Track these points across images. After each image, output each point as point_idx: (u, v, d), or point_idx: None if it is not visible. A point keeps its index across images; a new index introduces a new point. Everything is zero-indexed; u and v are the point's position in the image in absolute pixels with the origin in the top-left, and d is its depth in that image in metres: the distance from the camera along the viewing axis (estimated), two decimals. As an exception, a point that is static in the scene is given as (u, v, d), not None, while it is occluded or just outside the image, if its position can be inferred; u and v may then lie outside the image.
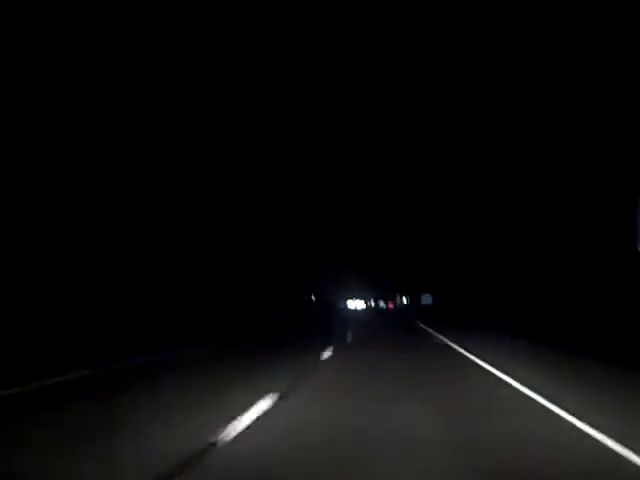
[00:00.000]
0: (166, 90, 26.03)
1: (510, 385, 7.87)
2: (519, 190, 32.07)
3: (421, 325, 27.36)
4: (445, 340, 16.74)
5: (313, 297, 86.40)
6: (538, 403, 6.45)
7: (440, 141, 45.02)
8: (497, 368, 9.65)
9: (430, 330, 22.79)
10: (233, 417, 5.34)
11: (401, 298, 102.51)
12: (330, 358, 11.78)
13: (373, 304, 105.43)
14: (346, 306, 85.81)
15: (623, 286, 21.21)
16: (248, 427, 5.11)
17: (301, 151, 48.97)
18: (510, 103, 28.72)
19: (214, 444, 4.46)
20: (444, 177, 48.95)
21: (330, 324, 30.72)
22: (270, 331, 22.06)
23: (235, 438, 4.68)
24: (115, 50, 22.98)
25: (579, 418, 5.45)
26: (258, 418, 5.50)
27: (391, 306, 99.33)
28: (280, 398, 6.68)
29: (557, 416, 5.74)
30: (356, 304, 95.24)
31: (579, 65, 21.20)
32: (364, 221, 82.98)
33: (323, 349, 13.14)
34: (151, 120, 25.43)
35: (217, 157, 32.56)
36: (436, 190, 52.56)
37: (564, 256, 26.83)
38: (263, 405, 6.12)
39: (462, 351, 13.37)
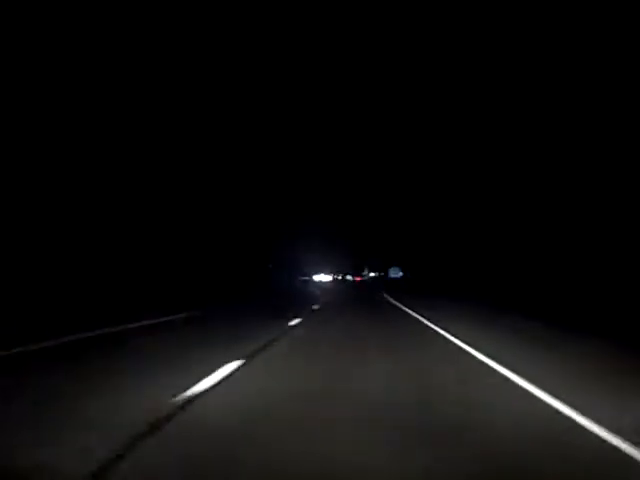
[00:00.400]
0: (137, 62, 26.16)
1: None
2: (484, 161, 32.91)
3: (384, 295, 30.45)
4: (398, 304, 21.40)
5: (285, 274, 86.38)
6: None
7: (412, 115, 45.17)
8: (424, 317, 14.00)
9: (387, 296, 27.99)
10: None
11: (369, 272, 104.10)
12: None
13: (340, 277, 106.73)
14: (312, 279, 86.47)
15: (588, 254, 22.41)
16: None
17: (269, 122, 48.46)
18: (479, 75, 29.89)
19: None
20: (412, 152, 49.28)
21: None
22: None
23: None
24: (114, 50, 23.71)
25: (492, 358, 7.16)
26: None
27: (358, 279, 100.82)
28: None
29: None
30: (322, 277, 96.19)
31: (579, 61, 22.06)
32: (335, 196, 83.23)
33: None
34: (124, 97, 25.65)
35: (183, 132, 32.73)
36: (406, 165, 52.89)
37: (532, 227, 27.58)
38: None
39: (398, 304, 20.89)
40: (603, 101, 21.06)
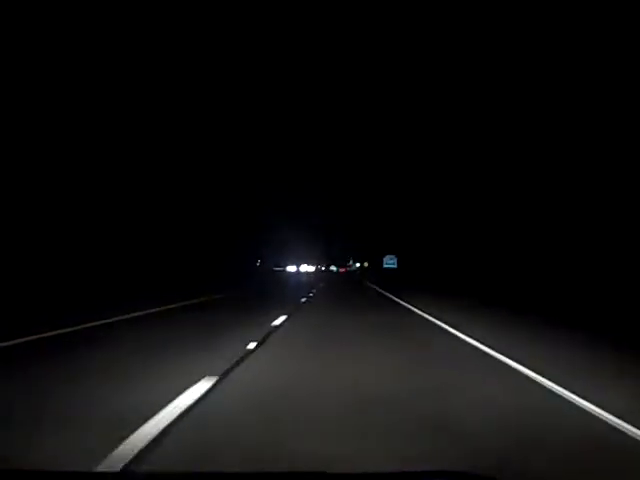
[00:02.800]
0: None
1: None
2: (479, 148, 33.62)
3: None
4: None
5: (258, 262, 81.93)
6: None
7: (402, 102, 46.81)
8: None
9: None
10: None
11: (354, 262, 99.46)
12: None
13: (324, 268, 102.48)
14: (286, 270, 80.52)
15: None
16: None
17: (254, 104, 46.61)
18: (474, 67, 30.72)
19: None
20: (399, 138, 46.89)
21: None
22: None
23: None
24: (114, 50, 25.57)
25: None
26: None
27: (342, 270, 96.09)
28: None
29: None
30: (301, 268, 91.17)
31: (579, 61, 22.83)
32: (321, 183, 79.19)
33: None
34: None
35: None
36: (395, 151, 49.88)
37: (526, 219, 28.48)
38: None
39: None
40: (603, 101, 22.06)
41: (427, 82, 37.92)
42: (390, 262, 52.71)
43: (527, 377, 5.40)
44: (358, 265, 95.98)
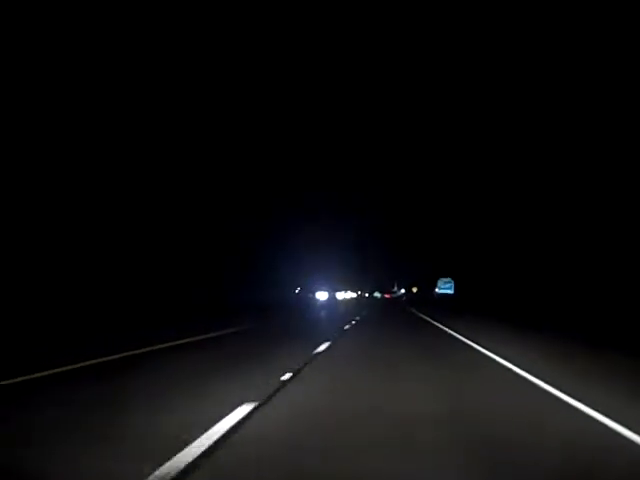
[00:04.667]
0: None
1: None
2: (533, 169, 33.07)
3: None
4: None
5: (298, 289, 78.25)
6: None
7: (456, 114, 44.68)
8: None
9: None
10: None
11: (399, 288, 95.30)
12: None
13: (367, 295, 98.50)
14: (315, 297, 70.72)
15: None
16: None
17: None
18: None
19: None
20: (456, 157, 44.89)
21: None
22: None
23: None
24: (114, 50, 24.96)
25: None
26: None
27: (387, 296, 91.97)
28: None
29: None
30: (338, 295, 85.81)
31: (580, 61, 23.42)
32: (369, 208, 76.99)
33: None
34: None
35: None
36: (449, 169, 48.27)
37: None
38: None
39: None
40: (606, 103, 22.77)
41: (486, 100, 37.28)
42: (445, 287, 47.19)
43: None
44: (403, 291, 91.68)
